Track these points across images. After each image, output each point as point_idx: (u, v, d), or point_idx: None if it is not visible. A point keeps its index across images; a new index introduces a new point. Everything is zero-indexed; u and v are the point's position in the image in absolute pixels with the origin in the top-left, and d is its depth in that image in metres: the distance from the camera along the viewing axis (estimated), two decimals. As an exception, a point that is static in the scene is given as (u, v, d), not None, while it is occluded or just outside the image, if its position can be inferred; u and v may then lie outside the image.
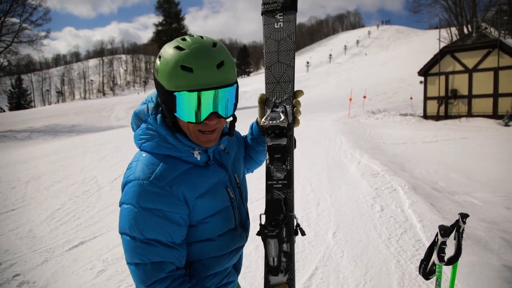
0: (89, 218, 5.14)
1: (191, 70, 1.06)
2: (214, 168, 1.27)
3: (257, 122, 1.52)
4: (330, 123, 14.96)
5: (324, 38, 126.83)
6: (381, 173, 6.75)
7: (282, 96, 1.38)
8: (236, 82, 1.19)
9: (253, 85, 53.37)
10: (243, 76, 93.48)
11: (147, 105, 1.25)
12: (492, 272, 3.34)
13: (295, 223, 1.25)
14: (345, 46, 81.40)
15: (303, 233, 1.25)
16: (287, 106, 1.35)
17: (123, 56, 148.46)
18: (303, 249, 3.93)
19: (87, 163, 8.90)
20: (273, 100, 1.38)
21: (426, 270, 1.68)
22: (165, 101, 1.13)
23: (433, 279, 1.71)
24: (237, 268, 1.40)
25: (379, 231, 4.32)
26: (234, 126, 1.32)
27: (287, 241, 1.18)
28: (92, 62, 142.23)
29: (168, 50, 1.11)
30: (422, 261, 1.70)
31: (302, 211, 4.98)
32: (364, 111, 20.82)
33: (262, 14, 1.41)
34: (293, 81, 1.38)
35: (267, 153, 1.30)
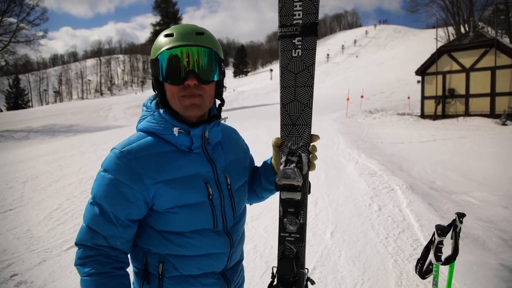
0: (87, 218, 5.13)
1: (172, 35, 1.18)
2: (198, 159, 1.24)
3: (271, 163, 1.45)
4: (327, 123, 14.98)
5: (321, 38, 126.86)
6: (378, 172, 6.76)
7: (298, 142, 1.33)
8: (218, 54, 1.23)
9: (250, 85, 53.44)
10: (240, 76, 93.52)
11: (149, 97, 1.34)
12: (489, 271, 3.35)
13: (305, 277, 1.26)
14: (343, 45, 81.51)
15: (312, 283, 1.27)
16: (303, 155, 1.31)
17: (121, 56, 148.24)
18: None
19: (84, 163, 8.87)
20: (289, 145, 1.33)
21: (423, 269, 1.69)
22: (153, 71, 1.21)
23: (430, 279, 1.72)
24: (228, 279, 1.33)
25: (376, 230, 4.33)
26: (221, 109, 1.34)
27: None
28: (90, 62, 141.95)
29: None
30: (418, 260, 1.71)
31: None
32: (362, 110, 20.86)
33: (279, 39, 1.33)
34: (310, 124, 1.32)
35: (280, 205, 1.28)
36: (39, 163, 9.33)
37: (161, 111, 1.22)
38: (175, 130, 1.18)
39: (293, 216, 1.27)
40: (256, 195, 1.54)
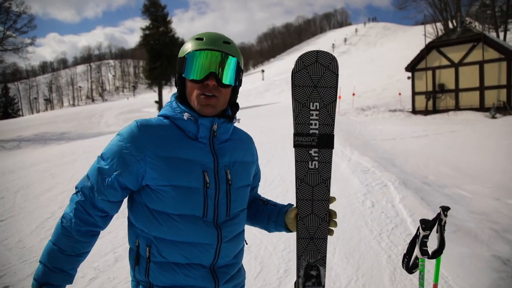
0: (80, 226, 5.09)
1: (202, 39, 1.31)
2: (202, 148, 1.31)
3: (284, 213, 1.47)
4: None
5: (312, 37, 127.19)
6: (371, 169, 6.80)
7: (316, 256, 1.33)
8: (239, 62, 1.34)
9: (243, 86, 53.26)
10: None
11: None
12: (481, 263, 3.38)
13: None
14: (333, 44, 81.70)
15: None
16: (321, 269, 1.32)
17: (111, 61, 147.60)
18: (295, 248, 3.93)
19: (77, 171, 8.81)
20: (306, 259, 1.34)
21: (409, 264, 1.70)
22: (178, 67, 1.33)
23: (417, 273, 1.73)
24: (217, 277, 1.32)
25: (370, 227, 4.35)
26: (235, 113, 1.40)
27: None
28: (80, 68, 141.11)
29: (191, 37, 1.38)
30: (404, 255, 1.72)
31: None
32: (354, 108, 20.92)
33: (294, 147, 1.33)
34: (327, 238, 1.34)
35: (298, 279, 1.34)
36: (31, 172, 9.24)
37: (179, 103, 1.35)
38: (185, 115, 1.29)
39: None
40: (251, 223, 1.59)
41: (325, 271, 1.33)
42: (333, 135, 1.32)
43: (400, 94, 24.60)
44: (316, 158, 1.31)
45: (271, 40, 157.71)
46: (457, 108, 17.93)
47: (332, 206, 1.36)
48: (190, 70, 1.28)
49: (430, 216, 1.75)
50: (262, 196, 1.63)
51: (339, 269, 3.42)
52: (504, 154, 8.41)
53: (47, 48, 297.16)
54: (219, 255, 1.32)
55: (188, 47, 1.32)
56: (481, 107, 17.21)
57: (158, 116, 1.39)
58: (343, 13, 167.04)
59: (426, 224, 1.61)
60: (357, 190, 5.69)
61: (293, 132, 1.33)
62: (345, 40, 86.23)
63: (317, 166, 1.31)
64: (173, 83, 1.44)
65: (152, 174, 1.25)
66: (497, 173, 6.81)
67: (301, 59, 1.31)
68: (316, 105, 1.31)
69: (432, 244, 1.68)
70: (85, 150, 12.17)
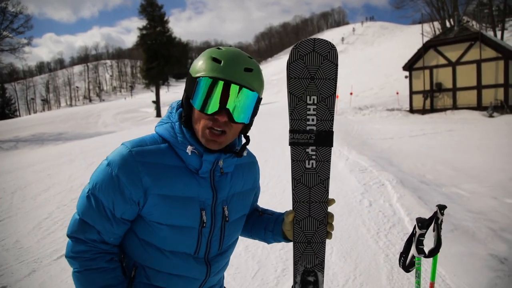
0: (77, 226, 5.07)
1: (220, 62, 1.11)
2: (202, 183, 1.19)
3: (281, 221, 1.39)
4: (318, 121, 15.01)
5: (309, 37, 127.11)
6: (369, 168, 6.80)
7: (314, 261, 1.27)
8: (259, 96, 1.18)
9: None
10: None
11: (178, 102, 1.29)
12: (479, 262, 3.39)
13: None
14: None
15: None
16: (319, 275, 1.26)
17: (108, 62, 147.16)
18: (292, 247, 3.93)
19: (74, 171, 8.78)
20: (303, 264, 1.27)
21: (406, 263, 1.70)
22: (187, 88, 1.17)
23: (414, 272, 1.73)
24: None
25: (367, 226, 4.35)
26: (245, 148, 1.27)
27: None
28: (77, 68, 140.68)
29: (207, 51, 1.19)
30: (401, 254, 1.72)
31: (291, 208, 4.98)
32: (351, 107, 20.96)
33: (289, 145, 1.22)
34: (325, 242, 1.27)
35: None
36: (28, 173, 9.21)
37: (184, 128, 1.18)
38: (189, 148, 1.15)
39: None
40: (249, 235, 1.52)
41: (323, 277, 1.26)
42: (332, 131, 1.23)
43: (397, 93, 24.68)
44: (314, 157, 1.21)
45: (268, 39, 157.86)
46: (455, 107, 18.00)
47: (329, 207, 1.31)
48: (201, 100, 1.11)
49: (428, 215, 1.75)
50: (261, 207, 1.55)
51: (336, 268, 3.42)
52: (501, 153, 8.43)
53: (44, 48, 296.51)
54: (204, 286, 1.30)
55: (202, 67, 1.13)
56: (479, 106, 17.27)
57: (156, 133, 1.23)
58: (340, 12, 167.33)
59: (423, 223, 1.61)
60: (355, 189, 5.70)
61: (288, 129, 1.22)
62: (343, 39, 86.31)
63: (314, 166, 1.21)
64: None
65: (148, 209, 1.16)
66: (494, 172, 6.83)
67: (296, 48, 1.19)
68: (313, 99, 1.20)
69: (428, 242, 1.69)
70: (83, 150, 12.13)
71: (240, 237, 1.45)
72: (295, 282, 1.26)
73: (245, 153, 1.27)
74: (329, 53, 1.19)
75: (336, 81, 1.21)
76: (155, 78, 40.11)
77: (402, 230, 4.17)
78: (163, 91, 44.19)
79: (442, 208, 1.63)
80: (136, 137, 1.22)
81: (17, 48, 28.01)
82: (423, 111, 18.68)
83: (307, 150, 1.21)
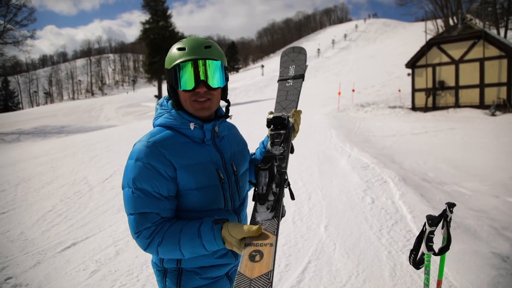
0: (81, 219, 5.11)
1: (184, 49, 1.38)
2: (209, 148, 1.46)
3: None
4: (320, 118, 15.01)
5: (311, 33, 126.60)
6: (371, 165, 6.81)
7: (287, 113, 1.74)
8: (222, 62, 1.43)
9: (242, 81, 53.20)
10: (232, 72, 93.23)
11: (164, 97, 1.57)
12: (481, 260, 3.41)
13: (287, 179, 1.37)
14: (333, 40, 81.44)
15: (292, 196, 1.39)
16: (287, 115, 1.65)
17: (111, 55, 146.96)
18: (295, 243, 3.96)
19: (77, 164, 8.82)
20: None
21: (416, 260, 1.71)
22: (168, 79, 1.43)
23: (423, 268, 1.75)
24: (236, 252, 1.49)
25: (370, 223, 4.37)
26: (229, 110, 1.56)
27: (277, 185, 1.25)
28: (80, 62, 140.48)
29: (172, 46, 1.46)
30: (411, 251, 1.73)
31: (294, 205, 5.01)
32: (353, 104, 20.91)
33: (278, 81, 1.92)
34: (297, 104, 1.80)
35: (268, 139, 1.56)
36: (31, 165, 9.25)
37: (179, 111, 1.44)
38: (191, 125, 1.41)
39: (278, 146, 1.51)
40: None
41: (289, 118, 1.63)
42: (303, 74, 1.90)
43: (399, 90, 24.61)
44: (291, 82, 1.90)
45: (271, 35, 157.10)
46: (457, 105, 17.96)
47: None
48: (181, 82, 1.38)
49: (430, 213, 1.77)
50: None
51: (339, 265, 3.45)
52: (503, 152, 8.44)
53: (45, 41, 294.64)
54: None
55: (173, 58, 1.40)
56: (481, 105, 17.24)
57: (157, 125, 1.46)
58: (343, 9, 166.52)
59: (433, 220, 1.62)
60: (357, 186, 5.71)
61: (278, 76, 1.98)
62: (345, 36, 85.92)
63: (292, 84, 1.89)
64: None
65: (180, 181, 1.37)
66: (496, 171, 6.84)
67: (285, 52, 2.05)
68: (291, 70, 1.95)
69: (436, 240, 1.70)
70: (85, 143, 12.16)
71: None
72: (270, 113, 1.62)
73: (229, 119, 1.58)
74: (301, 50, 2.03)
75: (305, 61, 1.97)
76: (158, 73, 40.08)
77: (404, 227, 4.19)
78: (165, 85, 44.04)
79: (451, 205, 1.65)
80: (138, 132, 1.33)
81: (21, 41, 27.94)
82: (425, 109, 18.65)
83: (287, 81, 1.90)
